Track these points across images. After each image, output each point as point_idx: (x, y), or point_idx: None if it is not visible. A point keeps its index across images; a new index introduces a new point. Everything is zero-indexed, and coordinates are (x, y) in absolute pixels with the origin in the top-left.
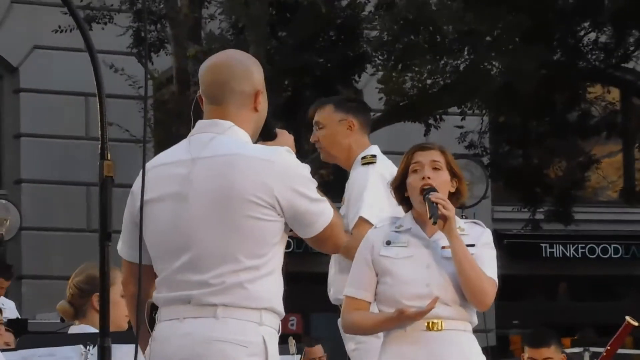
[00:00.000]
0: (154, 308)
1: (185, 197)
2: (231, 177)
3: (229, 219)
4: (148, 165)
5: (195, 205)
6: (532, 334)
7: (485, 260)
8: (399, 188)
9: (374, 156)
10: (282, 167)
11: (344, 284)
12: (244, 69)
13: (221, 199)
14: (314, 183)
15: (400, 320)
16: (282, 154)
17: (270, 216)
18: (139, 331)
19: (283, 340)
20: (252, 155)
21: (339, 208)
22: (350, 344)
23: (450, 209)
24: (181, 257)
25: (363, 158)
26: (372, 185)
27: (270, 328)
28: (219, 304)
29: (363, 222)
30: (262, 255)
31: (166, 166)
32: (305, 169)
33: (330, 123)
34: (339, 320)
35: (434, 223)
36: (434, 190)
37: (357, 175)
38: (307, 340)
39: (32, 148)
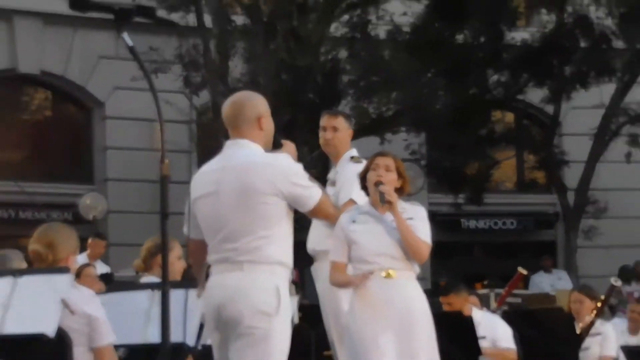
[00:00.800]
0: (208, 267)
1: (218, 193)
2: (248, 178)
3: (248, 205)
4: (196, 173)
5: (225, 198)
6: (444, 287)
7: (421, 228)
8: (363, 179)
9: (360, 158)
10: (281, 167)
11: (317, 239)
12: (250, 103)
13: (242, 193)
14: (305, 175)
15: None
16: (281, 159)
17: (275, 202)
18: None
19: None
20: (261, 161)
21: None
22: (320, 284)
23: (393, 196)
24: (220, 233)
25: (352, 157)
26: (356, 178)
27: (281, 277)
28: (245, 261)
29: (352, 202)
30: (271, 227)
31: (206, 174)
32: (298, 166)
33: (343, 129)
34: (311, 267)
35: (382, 205)
36: (383, 183)
37: (349, 169)
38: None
39: (115, 157)
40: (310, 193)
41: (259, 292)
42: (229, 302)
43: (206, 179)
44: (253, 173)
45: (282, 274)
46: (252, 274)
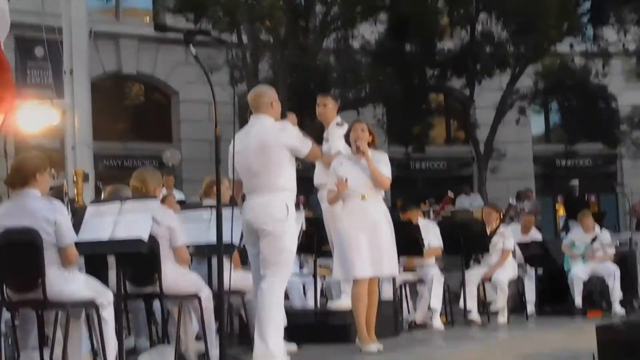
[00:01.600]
0: (244, 194)
1: (247, 149)
2: (263, 135)
3: (264, 153)
4: (234, 137)
5: (251, 152)
6: (402, 205)
7: (384, 168)
8: (347, 138)
9: (342, 122)
10: (284, 130)
11: (319, 176)
12: (265, 93)
13: (260, 147)
14: (300, 134)
15: (338, 189)
16: (285, 125)
17: (282, 151)
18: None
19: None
20: (272, 127)
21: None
22: (323, 205)
23: (366, 148)
24: (249, 173)
25: (337, 123)
26: (341, 137)
27: (289, 198)
28: (264, 189)
29: (339, 153)
30: (280, 167)
31: (239, 137)
32: (296, 129)
33: (330, 105)
34: (317, 195)
35: (358, 153)
36: (360, 139)
37: (335, 130)
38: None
39: (186, 126)
40: (304, 145)
41: (274, 207)
42: (255, 216)
43: (239, 140)
44: (267, 134)
45: (289, 196)
46: (269, 196)
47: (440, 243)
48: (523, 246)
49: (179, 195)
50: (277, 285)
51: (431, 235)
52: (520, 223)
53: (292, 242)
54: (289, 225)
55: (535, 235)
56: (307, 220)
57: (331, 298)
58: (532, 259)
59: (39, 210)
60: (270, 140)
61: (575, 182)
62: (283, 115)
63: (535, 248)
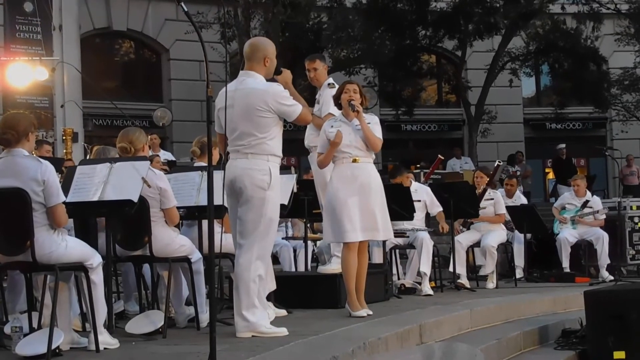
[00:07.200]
0: (227, 153)
1: (233, 107)
2: (251, 97)
3: (250, 116)
4: (221, 92)
5: (237, 110)
6: (391, 170)
7: (376, 129)
8: (337, 99)
9: (334, 84)
10: (272, 91)
11: (310, 138)
12: (260, 46)
13: (247, 107)
14: (289, 97)
15: (332, 145)
16: (273, 86)
17: (268, 114)
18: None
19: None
20: (259, 87)
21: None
22: (313, 167)
23: (360, 108)
24: (234, 134)
25: (329, 84)
26: (331, 98)
27: (273, 163)
28: (249, 153)
29: (329, 115)
30: (267, 132)
31: (228, 92)
32: (285, 91)
33: (320, 67)
34: (308, 157)
35: (352, 113)
36: (353, 100)
37: (327, 92)
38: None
39: (177, 84)
40: (293, 109)
41: (257, 172)
42: (237, 178)
43: (227, 95)
44: (254, 96)
45: (274, 162)
46: (253, 160)
47: (440, 208)
48: (512, 210)
49: (165, 156)
50: (254, 258)
51: (429, 198)
52: (505, 186)
53: (273, 210)
54: (271, 193)
55: (521, 198)
56: (298, 182)
57: (322, 263)
58: (521, 224)
59: (27, 170)
60: (257, 103)
61: (562, 146)
62: (277, 72)
63: (524, 213)
